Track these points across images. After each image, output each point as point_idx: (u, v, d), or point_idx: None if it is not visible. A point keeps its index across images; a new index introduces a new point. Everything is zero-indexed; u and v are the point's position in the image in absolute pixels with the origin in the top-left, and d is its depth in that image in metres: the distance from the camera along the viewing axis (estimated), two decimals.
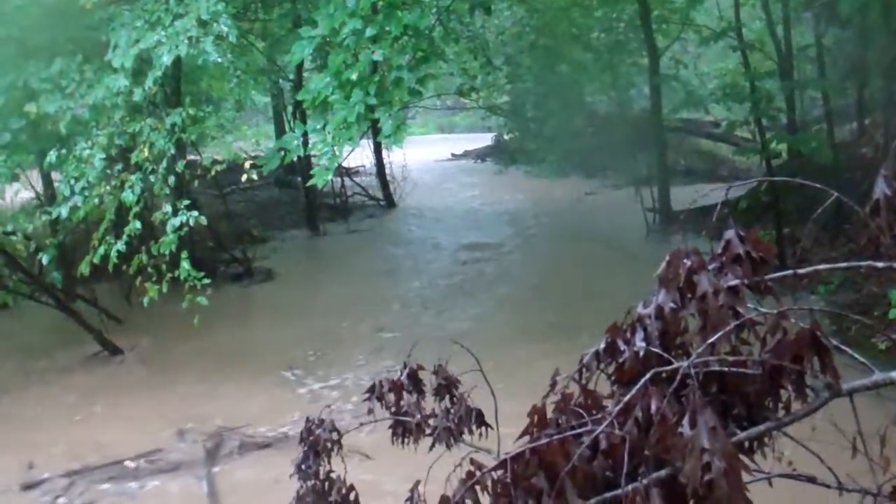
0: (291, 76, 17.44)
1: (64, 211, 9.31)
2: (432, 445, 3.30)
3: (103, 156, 9.15)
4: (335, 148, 8.35)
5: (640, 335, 2.65)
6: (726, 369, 2.53)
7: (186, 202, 9.10)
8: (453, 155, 28.42)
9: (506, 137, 24.15)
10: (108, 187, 9.19)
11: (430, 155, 26.88)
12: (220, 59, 8.66)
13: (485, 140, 27.37)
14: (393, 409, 3.42)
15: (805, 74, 16.52)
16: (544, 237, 16.51)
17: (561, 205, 19.12)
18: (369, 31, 8.13)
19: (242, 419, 8.58)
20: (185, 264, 8.94)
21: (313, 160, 8.74)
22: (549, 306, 11.54)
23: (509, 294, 12.55)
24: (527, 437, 2.83)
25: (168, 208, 9.04)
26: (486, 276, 13.79)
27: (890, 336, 6.22)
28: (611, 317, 3.05)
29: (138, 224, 9.00)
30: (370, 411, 3.40)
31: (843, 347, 2.63)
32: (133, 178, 9.05)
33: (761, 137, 13.01)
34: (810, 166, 12.82)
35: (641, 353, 2.62)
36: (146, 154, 9.05)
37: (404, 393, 3.44)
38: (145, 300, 9.19)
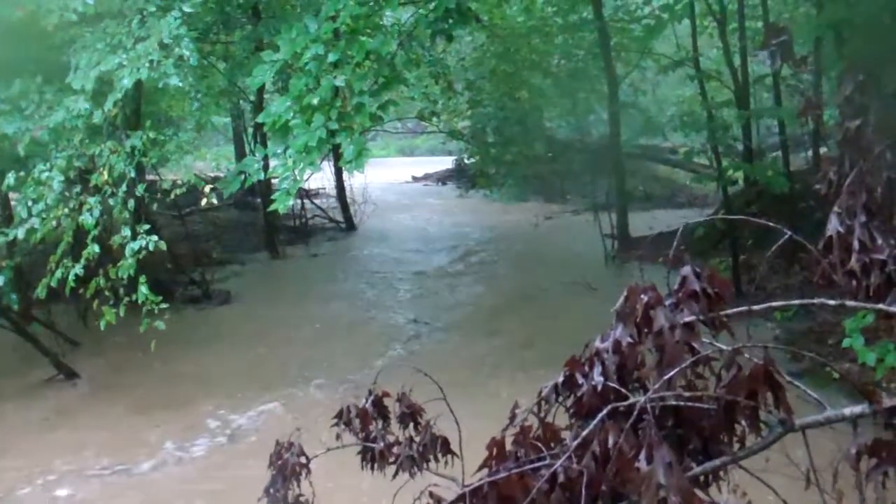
0: (253, 98, 17.42)
1: (21, 233, 9.20)
2: (395, 473, 3.33)
3: (62, 178, 9.07)
4: (296, 172, 8.35)
5: (597, 369, 2.69)
6: (682, 404, 2.58)
7: (146, 226, 9.05)
8: (414, 178, 28.50)
9: (466, 161, 24.30)
10: (66, 210, 9.11)
11: (392, 177, 26.95)
12: (180, 83, 8.62)
13: (446, 163, 27.50)
14: (361, 436, 3.45)
15: (761, 103, 16.79)
16: (503, 263, 16.55)
17: (520, 230, 19.21)
18: (331, 57, 8.14)
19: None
20: (144, 288, 8.88)
21: (274, 182, 8.72)
22: (508, 335, 11.53)
23: (467, 321, 12.53)
24: (486, 470, 2.87)
25: (127, 232, 8.97)
26: (444, 302, 13.79)
27: (838, 370, 6.33)
28: (568, 346, 3.08)
29: (97, 248, 8.92)
30: (338, 437, 3.44)
31: (797, 384, 2.69)
32: (92, 200, 8.99)
33: (718, 165, 13.19)
34: (766, 194, 13.02)
35: (599, 388, 2.66)
36: (105, 177, 8.99)
37: (370, 419, 3.47)
38: (102, 323, 9.10)
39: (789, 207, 12.22)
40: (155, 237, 8.90)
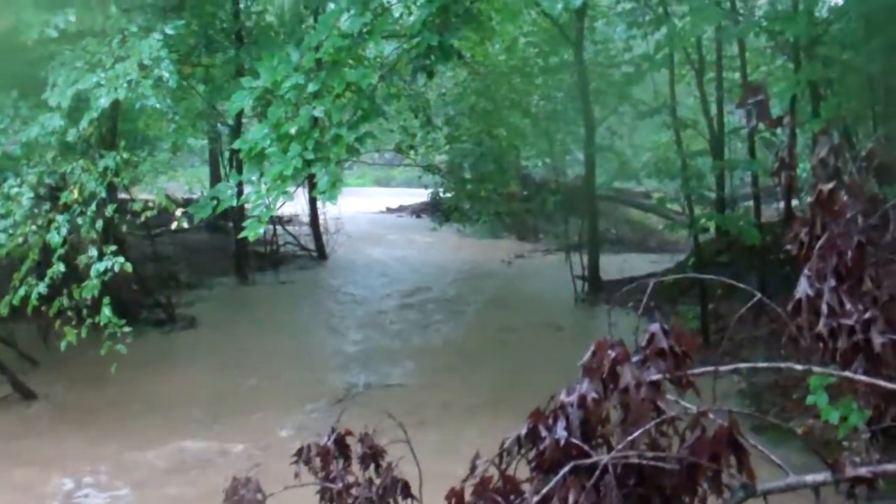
0: (231, 122, 17.37)
1: None
2: None
3: (31, 194, 8.97)
4: (269, 200, 8.31)
5: (561, 423, 2.66)
6: (645, 462, 2.55)
7: (113, 247, 8.95)
8: (389, 209, 28.46)
9: (442, 195, 24.31)
10: (33, 227, 8.99)
11: (366, 207, 26.89)
12: (158, 105, 8.58)
13: (421, 196, 27.47)
14: (321, 475, 3.39)
15: (736, 153, 16.94)
16: (473, 300, 16.47)
17: (492, 267, 19.21)
18: (311, 87, 8.14)
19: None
20: (107, 310, 8.77)
21: (247, 208, 8.67)
22: (473, 379, 11.40)
23: (432, 361, 12.41)
24: None
25: (93, 252, 8.87)
26: (411, 340, 13.67)
27: (802, 433, 6.35)
28: (533, 389, 3.05)
29: (62, 267, 8.81)
30: (297, 475, 3.38)
31: (761, 448, 2.67)
32: (60, 219, 8.88)
33: (690, 213, 13.26)
34: (737, 243, 13.09)
35: (562, 442, 2.63)
36: (75, 195, 8.90)
37: (331, 459, 3.41)
38: (63, 344, 8.96)
39: (760, 258, 12.29)
40: (121, 259, 8.81)
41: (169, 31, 9.00)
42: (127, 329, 8.95)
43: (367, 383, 11.34)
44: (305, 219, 21.33)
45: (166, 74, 8.54)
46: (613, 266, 16.77)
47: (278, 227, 19.96)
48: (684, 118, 15.21)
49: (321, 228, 20.82)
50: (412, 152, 21.21)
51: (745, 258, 12.98)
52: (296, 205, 19.62)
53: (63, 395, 10.59)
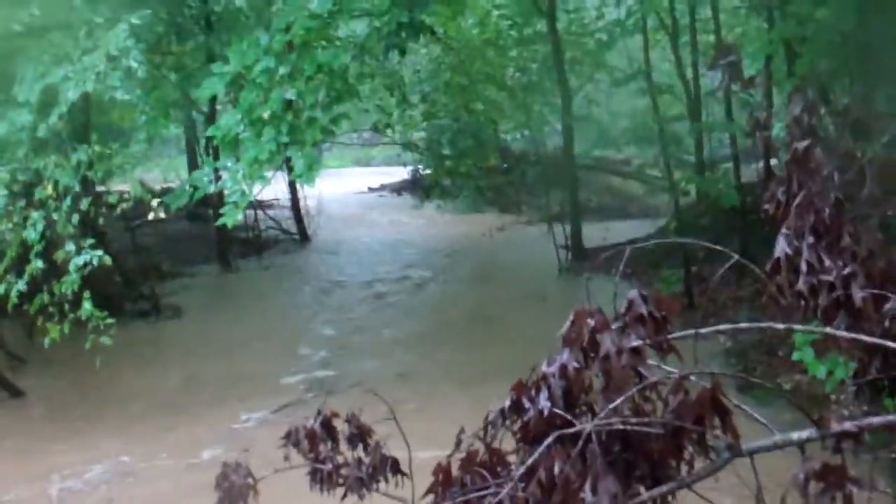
0: (205, 108, 17.23)
1: None
2: (344, 494, 3.27)
3: (5, 192, 8.88)
4: (245, 186, 8.26)
5: (544, 394, 2.65)
6: (630, 428, 2.54)
7: (91, 241, 8.88)
8: (370, 188, 28.37)
9: (422, 172, 24.25)
10: (10, 224, 8.91)
11: (347, 187, 26.78)
12: (127, 96, 8.49)
13: (401, 174, 27.40)
14: (311, 457, 3.38)
15: (714, 115, 16.92)
16: (456, 274, 16.49)
17: (474, 241, 19.16)
18: (282, 70, 8.07)
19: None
20: (88, 304, 8.70)
21: (225, 194, 8.61)
22: (459, 349, 11.43)
23: (418, 335, 12.41)
24: (432, 496, 2.81)
25: (71, 247, 8.79)
26: (396, 315, 13.68)
27: (788, 393, 6.39)
28: (519, 361, 3.04)
29: (40, 263, 8.74)
30: (286, 458, 3.36)
31: (745, 408, 2.66)
32: (35, 215, 8.80)
33: (669, 178, 13.27)
34: (717, 206, 13.11)
35: (546, 412, 2.62)
36: (49, 191, 8.81)
37: (319, 441, 3.41)
38: (46, 341, 8.91)
39: (740, 219, 12.31)
40: (100, 252, 8.75)
41: (135, 20, 8.87)
42: (111, 321, 8.88)
43: (357, 363, 11.34)
44: (286, 203, 21.25)
45: (135, 65, 8.45)
46: (596, 234, 16.75)
47: (259, 212, 19.88)
48: (660, 83, 15.20)
49: (302, 211, 20.74)
50: (389, 131, 21.14)
51: (726, 220, 13.00)
52: (276, 188, 19.60)
53: (51, 392, 10.56)
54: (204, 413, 9.74)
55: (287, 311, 14.25)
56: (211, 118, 15.60)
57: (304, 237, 20.50)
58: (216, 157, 9.31)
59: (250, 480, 3.39)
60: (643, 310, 2.61)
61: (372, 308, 14.26)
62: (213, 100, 15.34)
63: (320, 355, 11.78)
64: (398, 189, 27.47)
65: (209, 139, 12.98)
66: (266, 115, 7.94)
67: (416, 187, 25.63)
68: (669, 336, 2.63)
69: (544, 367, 2.67)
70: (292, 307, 14.55)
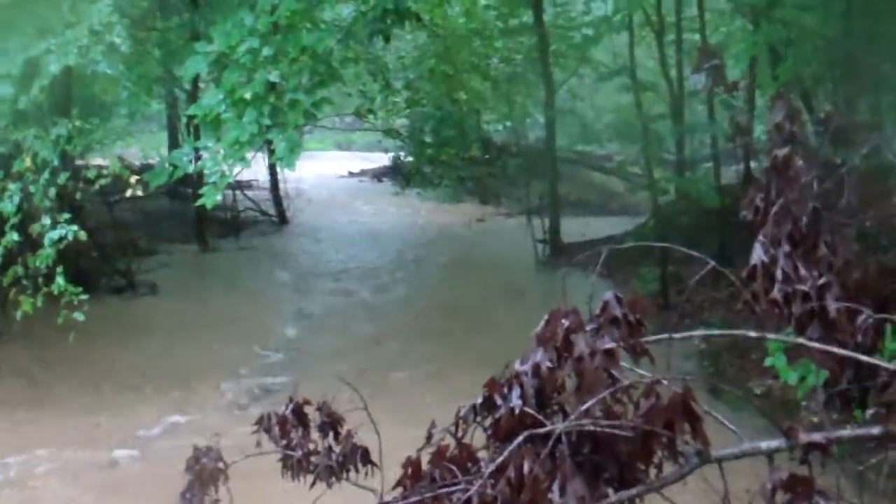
0: (188, 86, 17.10)
1: None
2: (314, 482, 3.26)
3: None
4: (225, 167, 8.21)
5: (516, 392, 2.64)
6: (600, 430, 2.54)
7: (67, 215, 8.81)
8: (350, 173, 28.28)
9: (403, 159, 24.19)
10: None
11: (327, 171, 26.69)
12: (109, 70, 8.42)
13: (383, 159, 27.33)
14: (282, 444, 3.37)
15: (696, 115, 16.97)
16: (433, 263, 16.44)
17: (453, 231, 19.16)
18: (266, 51, 8.02)
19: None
20: (60, 279, 8.63)
21: (205, 174, 8.55)
22: (434, 342, 11.36)
23: (392, 323, 12.39)
24: (401, 490, 2.81)
25: (47, 220, 8.72)
26: (371, 303, 13.66)
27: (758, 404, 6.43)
28: (493, 356, 3.04)
29: (16, 236, 8.66)
30: (258, 444, 3.36)
31: (715, 414, 2.67)
32: (13, 187, 8.71)
33: (650, 176, 13.29)
34: (697, 205, 13.15)
35: (517, 411, 2.61)
36: (28, 164, 8.73)
37: (291, 427, 3.40)
38: (18, 314, 8.84)
39: (719, 219, 12.33)
40: (75, 227, 8.69)
41: None
42: (85, 297, 8.82)
43: (328, 350, 11.30)
44: (265, 184, 21.16)
45: (118, 40, 8.38)
46: (574, 229, 16.76)
47: (238, 193, 19.78)
48: (644, 81, 15.19)
49: (282, 193, 20.66)
50: (372, 116, 21.01)
51: (706, 219, 13.04)
52: (255, 170, 19.50)
53: (24, 365, 10.48)
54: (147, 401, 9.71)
55: (260, 294, 14.17)
56: (193, 96, 15.49)
57: (282, 220, 20.42)
58: (197, 137, 9.21)
59: (221, 465, 3.39)
60: (618, 312, 2.61)
61: (345, 296, 14.19)
62: (196, 78, 15.21)
63: (287, 342, 11.75)
64: (379, 175, 27.39)
65: (191, 118, 12.90)
66: (248, 95, 7.89)
67: (397, 174, 25.58)
68: (643, 339, 2.63)
69: (517, 366, 2.67)
70: (266, 290, 14.48)
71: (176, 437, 8.38)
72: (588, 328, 2.60)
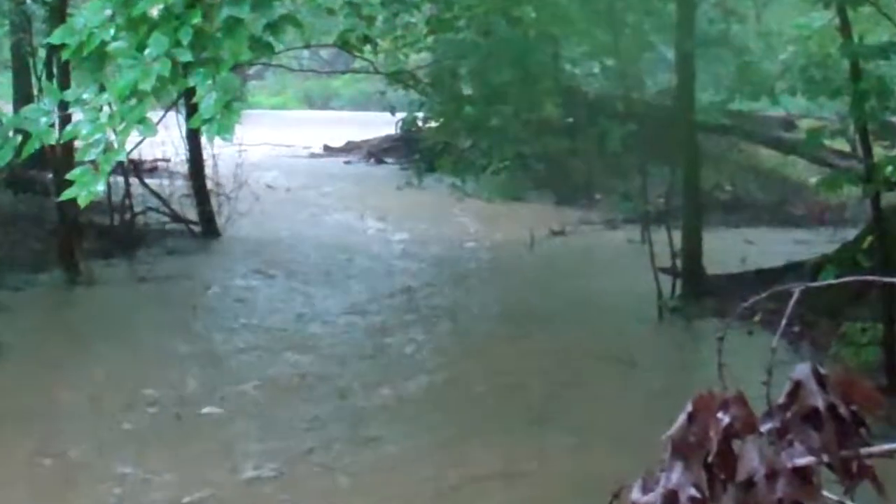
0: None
1: None
2: None
3: None
4: (114, 135, 8.29)
5: None
6: None
7: None
8: (328, 148, 28.55)
9: (421, 125, 24.33)
10: None
11: (289, 143, 26.95)
12: None
13: (384, 125, 27.50)
14: None
15: None
16: (477, 315, 16.44)
17: (512, 251, 19.23)
18: None
19: None
20: None
21: (76, 147, 8.65)
22: (481, 460, 11.22)
23: (407, 438, 12.14)
24: None
25: None
26: (358, 402, 13.36)
27: None
28: (589, 477, 3.05)
29: None
30: None
31: None
32: None
33: (865, 156, 13.26)
34: None
35: None
36: None
37: None
38: None
39: None
40: None
41: None
42: None
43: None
44: (183, 168, 21.34)
45: None
46: (728, 249, 16.83)
47: (136, 182, 19.97)
48: None
49: (209, 184, 20.83)
50: (368, 49, 21.15)
51: None
52: (165, 143, 19.66)
53: None
54: None
55: (169, 367, 14.09)
56: (60, 14, 15.69)
57: (208, 229, 20.61)
58: (66, 85, 9.28)
59: None
60: (819, 400, 2.60)
61: (311, 381, 13.49)
62: None
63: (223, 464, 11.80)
64: (377, 153, 27.64)
65: (53, 49, 13.04)
66: (155, 11, 7.98)
67: (410, 151, 25.71)
68: (864, 449, 2.62)
69: (635, 495, 2.67)
70: (177, 362, 14.36)
71: None
72: (763, 428, 2.60)
